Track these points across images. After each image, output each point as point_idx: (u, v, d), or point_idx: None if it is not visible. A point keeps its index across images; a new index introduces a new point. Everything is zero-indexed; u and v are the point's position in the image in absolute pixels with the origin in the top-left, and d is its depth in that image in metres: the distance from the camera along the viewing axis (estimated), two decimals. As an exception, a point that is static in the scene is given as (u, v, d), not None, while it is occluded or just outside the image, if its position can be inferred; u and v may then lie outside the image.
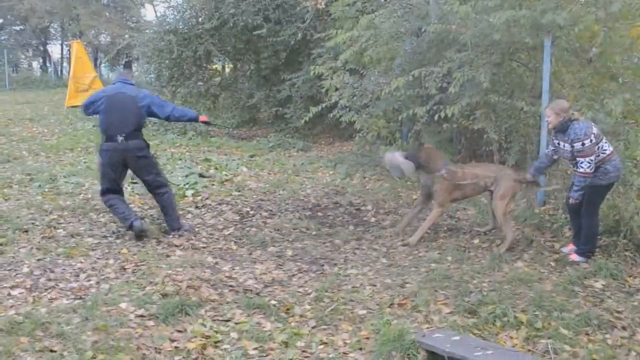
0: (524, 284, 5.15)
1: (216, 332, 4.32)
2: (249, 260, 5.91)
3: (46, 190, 8.34)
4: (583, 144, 5.52)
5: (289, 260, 5.95)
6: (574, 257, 5.83)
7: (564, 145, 5.71)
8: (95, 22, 30.74)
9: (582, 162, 5.54)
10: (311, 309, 4.74)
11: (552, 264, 5.80)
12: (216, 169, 10.15)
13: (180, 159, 10.66)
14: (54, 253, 5.82)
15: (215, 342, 4.19)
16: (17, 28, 35.70)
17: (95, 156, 7.58)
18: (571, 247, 6.04)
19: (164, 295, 4.77)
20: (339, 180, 9.38)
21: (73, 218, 7.04)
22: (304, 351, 4.10)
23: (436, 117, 7.20)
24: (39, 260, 5.62)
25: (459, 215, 7.58)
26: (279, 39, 13.40)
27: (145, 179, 6.53)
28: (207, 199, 8.22)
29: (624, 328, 4.41)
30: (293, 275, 5.58)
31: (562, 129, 5.69)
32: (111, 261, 5.66)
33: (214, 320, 4.53)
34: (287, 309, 4.75)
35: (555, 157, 6.00)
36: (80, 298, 4.78)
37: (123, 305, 4.59)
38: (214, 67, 16.91)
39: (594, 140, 5.54)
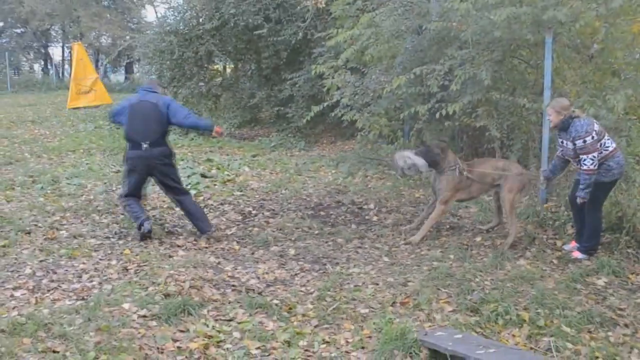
0: (526, 282, 5.15)
1: (219, 331, 4.33)
2: (251, 260, 5.91)
3: (48, 191, 8.35)
4: (584, 141, 5.51)
5: (291, 260, 5.95)
6: (577, 254, 5.83)
7: (566, 144, 5.71)
8: (96, 23, 30.74)
9: (585, 160, 5.53)
10: (313, 308, 4.74)
11: (555, 261, 5.80)
12: (218, 169, 10.16)
13: (183, 160, 10.66)
14: (56, 254, 5.83)
15: (218, 342, 4.19)
16: (18, 31, 35.76)
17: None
18: (573, 244, 6.03)
19: (167, 296, 4.77)
20: (341, 179, 9.37)
21: (75, 219, 7.05)
22: (306, 350, 4.10)
23: (438, 115, 7.17)
24: (41, 261, 5.63)
25: (461, 214, 7.57)
26: (279, 39, 13.39)
27: (168, 186, 6.55)
28: (209, 199, 8.23)
29: (626, 325, 4.41)
30: (295, 274, 5.58)
31: (563, 127, 5.69)
32: (114, 262, 5.67)
33: (217, 320, 4.53)
34: (290, 308, 4.75)
35: (565, 157, 5.97)
36: (83, 299, 4.79)
37: (125, 305, 4.60)
38: (215, 67, 16.89)
39: (595, 137, 5.53)
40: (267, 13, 13.58)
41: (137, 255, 5.87)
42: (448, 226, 7.06)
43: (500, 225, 6.78)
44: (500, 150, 7.77)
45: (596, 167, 5.54)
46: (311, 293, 5.09)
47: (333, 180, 9.51)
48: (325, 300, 4.89)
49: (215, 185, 9.07)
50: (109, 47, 32.99)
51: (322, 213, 7.67)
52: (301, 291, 5.15)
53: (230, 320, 4.54)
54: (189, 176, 9.16)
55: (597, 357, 3.90)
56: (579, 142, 5.54)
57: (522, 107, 7.23)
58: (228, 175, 9.73)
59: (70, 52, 30.79)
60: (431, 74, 6.99)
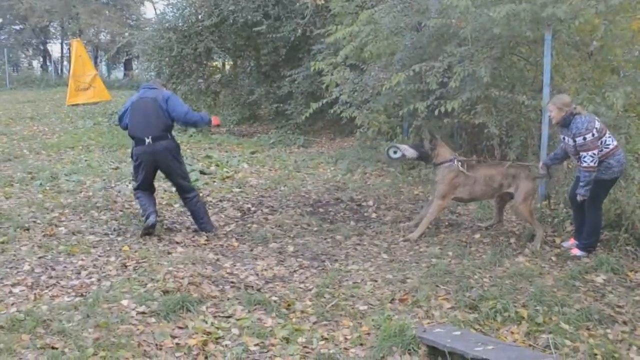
0: (525, 279, 5.16)
1: (217, 328, 4.32)
2: (250, 257, 5.91)
3: (47, 188, 8.35)
4: (584, 138, 5.51)
5: (290, 256, 5.95)
6: (575, 251, 5.83)
7: (567, 140, 5.71)
8: (95, 20, 30.75)
9: (584, 157, 5.53)
10: (312, 305, 4.74)
11: (553, 258, 5.80)
12: (217, 165, 10.16)
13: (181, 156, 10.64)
14: (55, 251, 5.83)
15: (217, 338, 4.19)
16: (17, 27, 35.69)
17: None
18: (572, 241, 6.03)
19: (165, 292, 4.77)
20: (340, 176, 9.37)
21: (74, 216, 7.05)
22: (305, 347, 4.10)
23: (437, 112, 7.17)
24: (40, 258, 5.63)
25: (460, 211, 7.57)
26: (278, 35, 13.38)
27: (175, 182, 6.59)
28: (208, 195, 8.23)
29: (625, 323, 4.41)
30: (294, 271, 5.58)
31: (565, 124, 5.69)
32: (112, 258, 5.67)
33: (215, 316, 4.53)
34: (288, 305, 4.74)
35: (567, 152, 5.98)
36: (82, 295, 4.79)
37: (124, 302, 4.60)
38: (214, 64, 16.89)
39: (595, 135, 5.53)
40: (266, 10, 13.57)
41: (135, 251, 5.86)
42: (447, 223, 7.06)
43: (499, 224, 6.76)
44: (499, 148, 7.77)
45: (596, 165, 5.54)
46: (310, 290, 5.09)
47: (332, 177, 9.51)
48: (324, 297, 4.89)
49: (214, 182, 9.07)
50: (108, 44, 32.98)
51: (321, 210, 7.67)
52: (300, 288, 5.15)
53: (229, 316, 4.54)
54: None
55: (596, 354, 3.90)
56: (579, 139, 5.54)
57: (521, 105, 7.23)
58: (227, 172, 9.73)
59: (69, 49, 30.75)
60: (430, 71, 6.98)
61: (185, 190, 6.58)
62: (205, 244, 6.25)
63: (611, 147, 5.62)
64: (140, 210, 6.55)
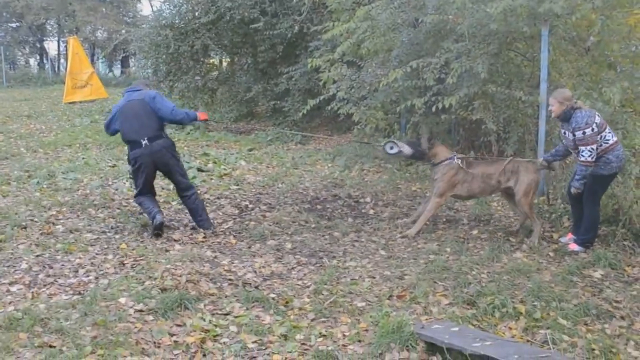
0: (522, 275, 5.16)
1: (215, 325, 4.32)
2: (248, 254, 5.90)
3: (44, 186, 8.34)
4: (584, 133, 5.52)
5: (288, 254, 5.95)
6: (573, 246, 5.84)
7: (567, 134, 5.72)
8: (92, 17, 30.67)
9: (583, 151, 5.54)
10: (310, 302, 4.74)
11: (551, 254, 5.81)
12: (214, 163, 10.15)
13: (179, 154, 10.62)
14: (52, 249, 5.82)
15: (215, 336, 4.19)
16: (13, 25, 35.54)
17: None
18: (570, 236, 6.03)
19: (163, 290, 4.77)
20: (337, 172, 9.37)
21: (72, 214, 7.03)
22: (303, 344, 4.09)
23: (434, 108, 7.16)
24: (37, 256, 5.62)
25: (458, 207, 7.58)
26: (275, 32, 13.36)
27: (174, 180, 6.59)
28: (205, 193, 8.22)
29: (622, 318, 4.42)
30: (292, 268, 5.57)
31: (565, 118, 5.70)
32: (110, 256, 5.66)
33: (213, 314, 4.53)
34: (286, 302, 4.74)
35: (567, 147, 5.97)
36: (79, 293, 4.78)
37: (122, 300, 4.59)
38: (211, 61, 16.88)
39: (595, 130, 5.54)
40: (263, 7, 13.56)
41: (133, 249, 5.86)
42: (445, 219, 7.06)
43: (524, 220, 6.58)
44: (497, 143, 7.77)
45: (594, 160, 5.55)
46: (308, 287, 5.09)
47: (329, 173, 9.50)
48: (322, 294, 4.89)
49: (211, 179, 9.06)
50: (105, 41, 32.89)
51: (318, 207, 7.66)
52: (298, 285, 5.14)
53: (227, 314, 4.53)
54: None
55: (594, 349, 3.90)
56: (579, 134, 5.55)
57: (519, 100, 7.23)
58: (224, 169, 9.72)
59: (65, 47, 30.64)
60: (427, 67, 6.98)
61: (183, 188, 6.58)
62: (203, 242, 6.24)
63: (610, 142, 5.63)
64: (145, 214, 6.50)
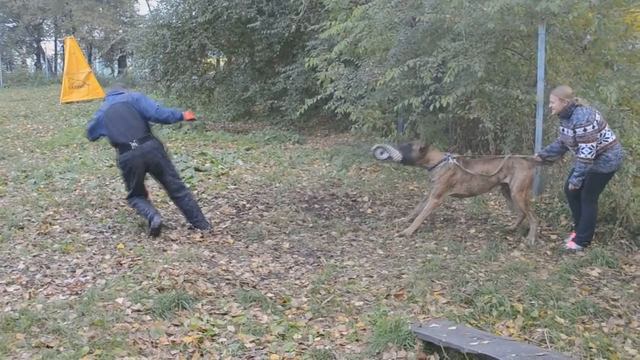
0: (520, 273, 5.17)
1: (213, 325, 4.32)
2: (245, 254, 5.90)
3: (42, 186, 8.32)
4: (585, 130, 5.53)
5: (285, 253, 5.95)
6: (571, 244, 5.84)
7: (567, 131, 5.73)
8: (89, 17, 30.58)
9: (583, 148, 5.55)
10: (308, 301, 4.75)
11: (549, 252, 5.82)
12: (212, 162, 10.13)
13: (176, 153, 10.63)
14: (49, 249, 5.81)
15: (212, 336, 4.19)
16: (10, 25, 35.47)
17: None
18: (574, 235, 6.01)
19: (161, 290, 4.76)
20: (335, 172, 9.36)
21: (69, 214, 7.02)
22: (300, 343, 4.10)
23: (431, 107, 7.17)
24: (35, 256, 5.61)
25: (455, 206, 7.58)
26: (273, 32, 13.34)
27: (166, 181, 6.54)
28: (203, 192, 8.21)
29: (619, 316, 4.43)
30: (290, 267, 5.57)
31: (565, 115, 5.71)
32: (107, 256, 5.66)
33: (211, 313, 4.53)
34: (284, 302, 4.75)
35: (565, 144, 5.97)
36: (77, 294, 4.78)
37: (119, 300, 4.59)
38: (208, 60, 16.84)
39: (596, 127, 5.55)
40: (260, 6, 13.54)
41: (130, 249, 5.85)
42: (442, 218, 7.07)
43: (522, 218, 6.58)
44: (494, 142, 7.78)
45: (593, 157, 5.56)
46: (305, 286, 5.09)
47: (327, 173, 9.50)
48: (320, 293, 4.89)
49: (209, 178, 9.05)
50: (102, 41, 32.83)
51: (316, 206, 7.66)
52: (295, 284, 5.15)
53: (224, 314, 4.54)
54: (182, 170, 9.13)
55: (591, 348, 3.91)
56: (579, 130, 5.56)
57: (516, 99, 7.24)
58: (222, 168, 9.71)
59: (62, 47, 30.61)
60: (424, 66, 6.99)
61: (176, 189, 6.54)
62: (200, 241, 6.23)
63: (610, 140, 5.65)
64: (141, 215, 6.48)
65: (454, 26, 6.93)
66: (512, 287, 4.88)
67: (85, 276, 5.17)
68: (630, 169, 6.07)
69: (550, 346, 3.95)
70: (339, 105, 7.98)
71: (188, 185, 8.23)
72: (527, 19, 6.86)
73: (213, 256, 5.75)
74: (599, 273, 5.21)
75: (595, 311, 4.43)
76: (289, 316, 4.52)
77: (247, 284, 5.10)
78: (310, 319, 4.47)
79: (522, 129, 7.68)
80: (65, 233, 6.31)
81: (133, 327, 4.20)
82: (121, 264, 5.46)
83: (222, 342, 4.11)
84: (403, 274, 5.27)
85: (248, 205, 7.65)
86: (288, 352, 3.98)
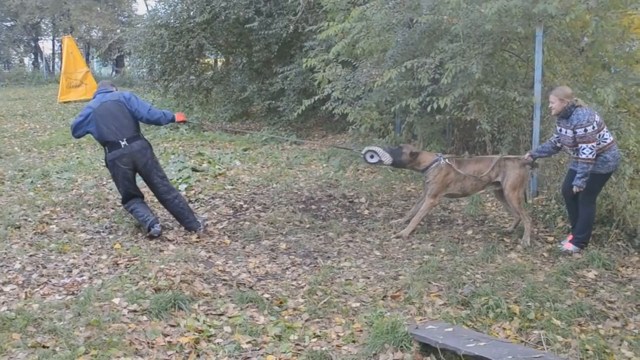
0: (517, 275, 5.17)
1: (209, 326, 4.32)
2: (242, 254, 5.90)
3: (38, 186, 8.31)
4: (585, 130, 5.55)
5: (282, 254, 5.95)
6: (568, 246, 5.85)
7: (566, 132, 5.74)
8: (86, 17, 30.54)
9: (584, 148, 5.57)
10: (304, 302, 4.74)
11: (545, 254, 5.82)
12: (209, 162, 10.12)
13: (174, 154, 10.63)
14: (46, 249, 5.80)
15: (209, 337, 4.18)
16: (8, 24, 35.41)
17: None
18: (571, 238, 6.01)
19: (157, 290, 4.75)
20: (332, 173, 9.36)
21: (65, 214, 7.01)
22: (297, 344, 4.09)
23: (429, 109, 7.18)
24: (31, 256, 5.60)
25: (452, 207, 7.58)
26: (270, 32, 13.35)
27: (154, 183, 6.48)
28: (200, 193, 8.20)
29: (616, 318, 4.43)
30: (286, 268, 5.57)
31: (565, 115, 5.73)
32: (104, 256, 5.65)
33: (207, 314, 4.52)
34: (281, 303, 4.74)
35: (559, 144, 5.99)
36: (73, 294, 4.77)
37: (116, 300, 4.57)
38: (206, 60, 16.84)
39: (596, 127, 5.58)
40: (258, 6, 13.54)
41: (127, 249, 5.84)
42: (439, 220, 7.07)
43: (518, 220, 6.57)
44: (491, 144, 7.79)
45: (594, 157, 5.57)
46: (302, 287, 5.09)
47: (324, 174, 9.49)
48: (316, 294, 4.89)
49: (206, 179, 9.04)
50: (100, 41, 32.76)
51: (313, 207, 7.66)
52: (292, 285, 5.14)
53: (221, 314, 4.53)
54: (179, 170, 9.13)
55: (587, 350, 3.91)
56: (580, 131, 5.57)
57: (513, 101, 7.25)
58: (219, 169, 9.69)
59: (60, 46, 30.57)
60: (422, 68, 7.00)
61: (164, 191, 6.48)
62: (197, 242, 6.23)
63: (608, 141, 5.68)
64: (139, 221, 6.40)
65: (452, 28, 6.94)
66: (509, 288, 4.88)
67: (82, 276, 5.16)
68: (627, 171, 6.08)
69: (547, 348, 3.95)
70: (336, 106, 7.99)
71: (185, 186, 8.28)
72: (525, 20, 6.87)
73: (210, 257, 5.74)
74: (595, 275, 5.22)
75: (592, 313, 4.44)
76: (286, 317, 4.51)
77: (244, 284, 5.09)
78: (306, 320, 4.46)
79: (519, 130, 7.69)
80: (62, 233, 6.30)
81: (129, 328, 4.18)
82: (118, 264, 5.45)
83: (218, 343, 4.10)
84: (400, 275, 5.27)
85: (245, 206, 7.65)
86: (284, 353, 3.98)
